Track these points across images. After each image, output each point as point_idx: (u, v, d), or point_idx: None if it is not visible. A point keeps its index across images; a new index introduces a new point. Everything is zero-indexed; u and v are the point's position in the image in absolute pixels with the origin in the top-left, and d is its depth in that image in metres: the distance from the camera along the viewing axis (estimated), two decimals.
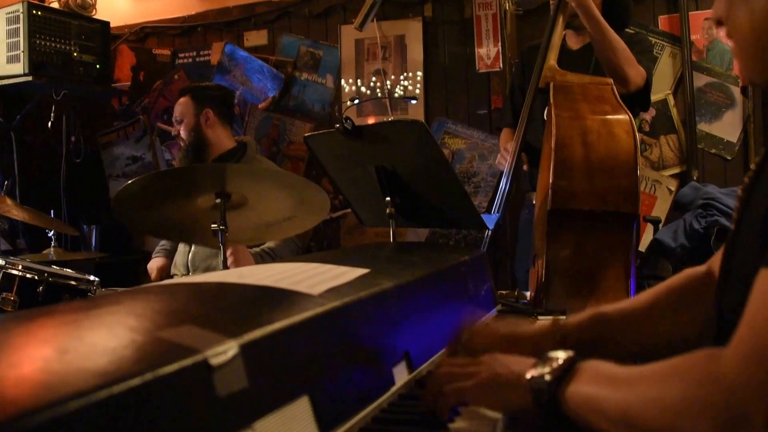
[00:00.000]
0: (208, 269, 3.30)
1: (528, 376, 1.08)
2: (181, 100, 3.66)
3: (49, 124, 4.59)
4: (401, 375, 1.33)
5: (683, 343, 1.49)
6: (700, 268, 1.44)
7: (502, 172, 3.14)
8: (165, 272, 3.47)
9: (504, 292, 2.64)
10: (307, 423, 1.01)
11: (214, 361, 0.85)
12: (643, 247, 3.36)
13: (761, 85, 1.10)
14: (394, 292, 1.38)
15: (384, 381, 1.27)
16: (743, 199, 1.08)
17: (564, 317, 1.50)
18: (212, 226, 2.31)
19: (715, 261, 1.37)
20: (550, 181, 2.38)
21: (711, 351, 0.90)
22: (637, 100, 3.05)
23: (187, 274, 3.39)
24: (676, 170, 4.17)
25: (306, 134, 2.46)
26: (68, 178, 4.78)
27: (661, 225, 3.18)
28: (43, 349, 0.81)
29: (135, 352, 0.81)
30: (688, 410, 0.87)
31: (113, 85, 5.19)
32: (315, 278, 1.30)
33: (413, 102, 4.37)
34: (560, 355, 1.08)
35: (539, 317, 1.98)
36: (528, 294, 2.60)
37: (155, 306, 1.02)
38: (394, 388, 1.28)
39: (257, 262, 3.21)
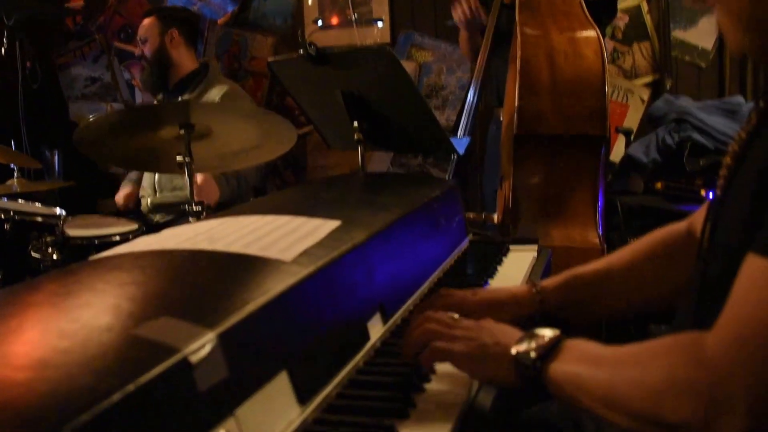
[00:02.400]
0: (174, 189, 3.30)
1: (513, 351, 1.09)
2: (146, 20, 3.63)
3: (2, 51, 4.42)
4: (376, 327, 1.34)
5: (661, 304, 1.51)
6: (680, 226, 1.43)
7: (470, 86, 3.10)
8: (133, 198, 3.49)
9: (471, 215, 2.65)
10: (286, 398, 1.02)
11: (194, 358, 0.85)
12: (615, 158, 3.37)
13: (751, 55, 1.08)
14: (367, 244, 1.37)
15: (359, 337, 1.29)
16: (731, 167, 1.07)
17: (539, 281, 1.50)
18: (177, 158, 2.27)
19: (696, 219, 1.37)
20: (516, 104, 2.35)
21: (695, 334, 0.91)
22: (602, 6, 2.99)
23: (155, 195, 3.39)
24: (649, 79, 4.11)
25: (269, 59, 2.40)
26: (27, 105, 4.64)
27: (632, 136, 3.17)
28: (18, 363, 0.80)
29: (113, 361, 0.81)
30: (671, 393, 0.88)
31: (66, 5, 5.00)
32: (286, 238, 1.29)
33: (379, 24, 4.25)
34: (546, 333, 1.08)
35: (511, 246, 2.00)
36: (495, 216, 2.62)
37: (128, 291, 1.01)
38: (369, 344, 1.29)
39: (222, 186, 3.20)
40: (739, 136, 1.07)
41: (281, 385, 1.02)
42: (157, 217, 3.41)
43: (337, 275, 1.24)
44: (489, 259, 1.88)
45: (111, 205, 3.64)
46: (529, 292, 1.47)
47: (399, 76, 2.14)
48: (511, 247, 2.01)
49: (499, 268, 1.83)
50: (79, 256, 2.56)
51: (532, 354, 1.07)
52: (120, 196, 3.57)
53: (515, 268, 1.85)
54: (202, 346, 0.87)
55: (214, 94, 3.34)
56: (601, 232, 2.37)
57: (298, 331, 1.09)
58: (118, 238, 2.67)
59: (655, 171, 2.91)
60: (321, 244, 1.28)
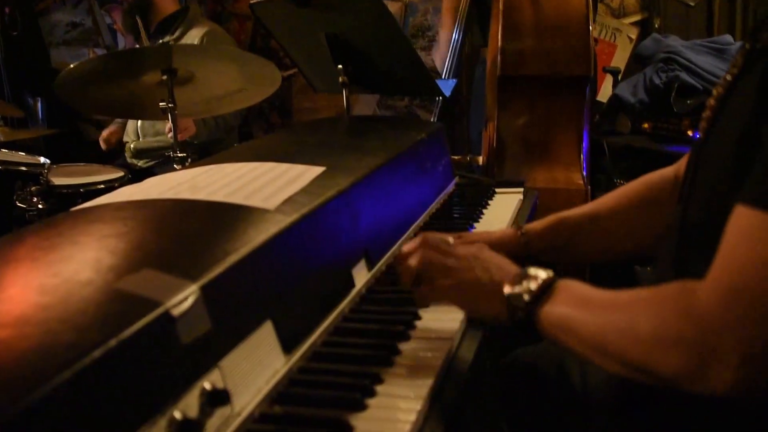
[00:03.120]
0: (157, 134, 3.28)
1: (506, 292, 1.08)
2: None
3: None
4: (361, 274, 1.34)
5: (647, 249, 1.50)
6: (667, 172, 1.42)
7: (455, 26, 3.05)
8: (116, 138, 3.45)
9: (456, 157, 2.64)
10: (271, 348, 1.03)
11: (176, 311, 0.85)
12: (602, 98, 3.34)
13: None
14: (352, 190, 1.37)
15: (345, 283, 1.29)
16: (715, 108, 1.05)
17: (525, 224, 1.49)
18: (161, 104, 2.24)
19: (683, 164, 1.35)
20: (499, 45, 2.32)
21: (687, 285, 0.90)
22: None
23: (138, 139, 3.36)
24: (637, 17, 4.04)
25: (251, 1, 2.35)
26: (7, 53, 4.53)
27: (620, 76, 3.14)
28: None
29: (95, 317, 0.81)
30: (662, 344, 0.88)
31: None
32: (270, 186, 1.28)
33: None
34: (540, 274, 1.07)
35: (497, 189, 2.00)
36: (480, 159, 2.61)
37: (109, 244, 1.00)
38: (354, 291, 1.30)
39: (198, 125, 3.17)
40: (724, 78, 1.06)
41: (266, 335, 1.02)
42: (141, 163, 3.39)
43: (321, 223, 1.23)
44: (475, 202, 1.88)
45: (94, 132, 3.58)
46: (514, 236, 1.47)
47: (383, 17, 2.10)
48: (497, 189, 2.00)
49: (484, 211, 1.83)
50: (64, 204, 2.54)
51: (525, 297, 1.06)
52: (104, 134, 3.53)
53: (501, 212, 1.84)
54: (184, 299, 0.87)
55: (194, 35, 3.29)
56: (585, 174, 2.37)
57: (282, 280, 1.09)
58: (103, 186, 2.65)
59: (643, 111, 2.88)
60: (305, 191, 1.27)
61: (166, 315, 0.84)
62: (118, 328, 0.77)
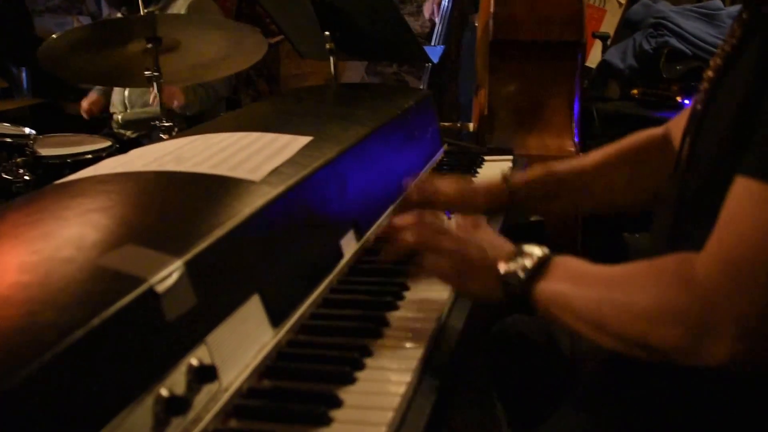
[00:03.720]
0: (145, 105, 3.23)
1: (502, 270, 1.07)
2: None
3: None
4: (350, 245, 1.33)
5: (632, 208, 1.50)
6: (656, 132, 1.40)
7: None
8: (99, 107, 3.39)
9: (447, 124, 2.62)
10: (259, 321, 1.02)
11: (161, 288, 0.84)
12: (591, 64, 3.31)
13: None
14: (339, 160, 1.35)
15: (333, 254, 1.28)
16: (713, 79, 1.03)
17: (512, 167, 1.48)
18: (146, 73, 2.21)
19: (673, 126, 1.34)
20: (491, 9, 2.29)
21: (684, 257, 0.89)
22: None
23: (125, 111, 3.32)
24: None
25: None
26: None
27: (609, 41, 3.11)
28: None
29: (77, 295, 0.79)
30: (660, 318, 0.87)
31: None
32: (256, 156, 1.26)
33: None
34: (535, 251, 1.06)
35: (485, 157, 1.98)
36: (471, 125, 2.59)
37: (92, 219, 0.98)
38: (343, 262, 1.28)
39: (189, 95, 3.13)
40: (721, 48, 1.04)
41: (253, 309, 1.01)
42: (128, 133, 3.35)
43: (308, 194, 1.22)
44: (463, 170, 1.86)
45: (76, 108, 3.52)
46: (500, 186, 1.45)
47: None
48: (486, 158, 1.99)
49: (473, 180, 1.82)
50: (51, 175, 2.51)
51: (521, 274, 1.05)
52: (84, 104, 3.46)
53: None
54: (168, 275, 0.86)
55: (180, 5, 3.22)
56: (577, 140, 2.35)
57: (269, 252, 1.08)
58: (90, 156, 2.62)
59: (632, 77, 2.86)
60: (292, 162, 1.26)
61: (150, 292, 0.82)
62: (101, 307, 0.76)
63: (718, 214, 0.87)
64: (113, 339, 0.76)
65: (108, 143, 2.75)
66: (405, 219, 1.21)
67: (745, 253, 0.82)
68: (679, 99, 2.69)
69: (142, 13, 2.51)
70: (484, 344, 1.49)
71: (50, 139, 2.78)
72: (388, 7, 2.15)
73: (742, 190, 0.85)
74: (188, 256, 0.89)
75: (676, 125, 1.31)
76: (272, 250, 1.09)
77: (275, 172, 1.19)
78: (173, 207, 1.06)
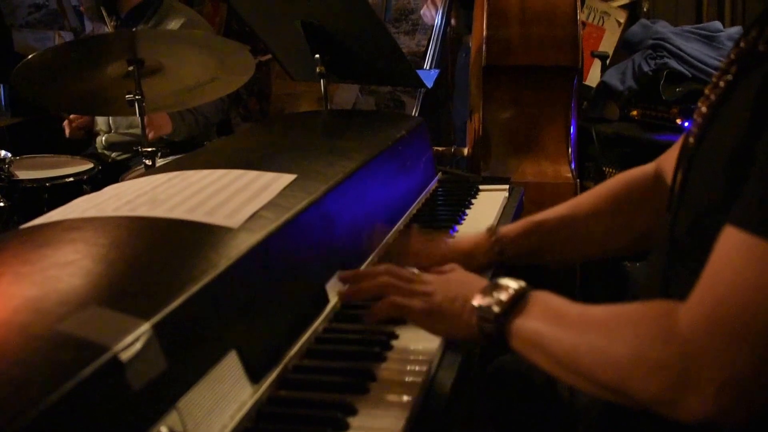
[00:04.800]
0: (130, 126, 3.14)
1: (476, 303, 1.03)
2: None
3: None
4: (337, 288, 1.26)
5: (627, 250, 1.45)
6: (647, 170, 1.36)
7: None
8: (84, 124, 3.26)
9: (441, 149, 2.56)
10: (237, 379, 0.96)
11: (125, 355, 0.78)
12: (590, 82, 3.26)
13: None
14: (324, 200, 1.29)
15: (319, 300, 1.22)
16: (706, 116, 0.98)
17: (499, 228, 1.42)
18: (127, 96, 2.14)
19: (664, 161, 1.30)
20: (484, 34, 2.23)
21: (667, 305, 0.86)
22: None
23: (110, 132, 3.23)
24: (625, 0, 3.93)
25: None
26: None
27: (608, 61, 3.07)
28: None
29: (34, 367, 0.73)
30: (639, 368, 0.84)
31: None
32: (235, 199, 1.19)
33: None
34: (511, 285, 1.02)
35: (480, 186, 1.92)
36: (465, 150, 2.53)
37: (54, 276, 0.91)
38: (329, 307, 1.22)
39: (176, 121, 3.05)
40: (714, 83, 0.99)
41: (230, 367, 0.95)
42: (113, 155, 3.25)
43: (290, 239, 1.15)
44: (458, 202, 1.80)
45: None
46: (488, 241, 1.40)
47: (359, 5, 2.01)
48: (481, 187, 1.92)
49: (468, 212, 1.75)
50: (30, 199, 2.45)
51: (495, 308, 1.01)
52: (66, 124, 3.21)
53: (485, 211, 1.77)
54: (134, 340, 0.79)
55: (171, 26, 3.13)
56: (573, 167, 2.29)
57: (247, 305, 1.02)
58: (72, 179, 2.54)
59: (631, 98, 2.82)
60: (273, 204, 1.19)
61: (114, 361, 0.76)
62: (60, 381, 0.70)
63: (707, 258, 0.84)
64: (74, 414, 0.70)
65: (89, 165, 2.65)
66: (372, 269, 1.19)
67: (730, 311, 0.78)
68: (679, 121, 2.64)
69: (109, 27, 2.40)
70: (479, 384, 1.43)
71: (28, 161, 2.70)
72: (380, 31, 2.09)
73: (730, 241, 0.81)
74: (157, 317, 0.83)
75: (667, 160, 1.27)
76: (251, 302, 1.02)
77: (255, 216, 1.13)
78: (144, 260, 0.99)
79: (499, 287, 1.03)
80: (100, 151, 3.26)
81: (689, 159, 1.00)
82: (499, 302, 1.01)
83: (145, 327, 0.81)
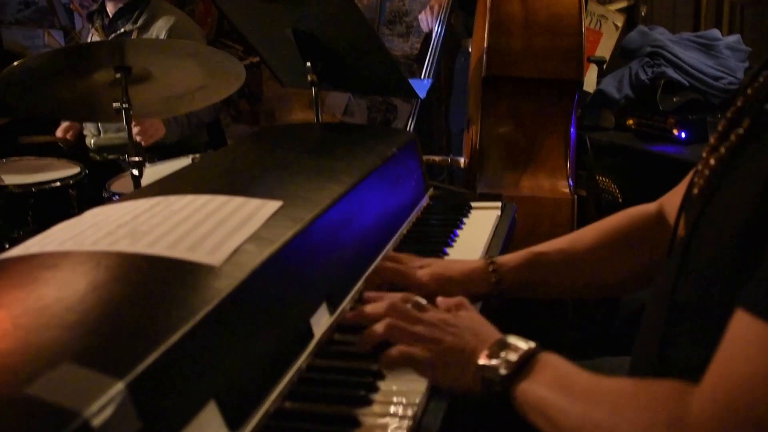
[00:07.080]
0: (119, 130, 3.09)
1: (481, 363, 1.02)
2: None
3: None
4: (323, 320, 1.23)
5: (624, 289, 1.43)
6: (650, 209, 1.33)
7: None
8: (74, 131, 3.21)
9: (437, 158, 2.52)
10: (216, 429, 0.92)
11: (97, 421, 0.74)
12: (586, 87, 3.21)
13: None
14: (311, 229, 1.25)
15: (302, 336, 1.18)
16: (716, 171, 0.95)
17: (497, 257, 1.39)
18: (114, 104, 2.09)
19: (667, 205, 1.28)
20: (485, 44, 2.18)
21: (679, 388, 0.84)
22: None
23: (98, 135, 3.18)
24: (623, 4, 3.90)
25: None
26: None
27: (605, 66, 3.03)
28: None
29: None
30: None
31: None
32: (218, 231, 1.16)
33: None
34: (520, 345, 1.01)
35: (473, 204, 1.88)
36: (462, 160, 2.49)
37: (20, 324, 0.88)
38: (313, 342, 1.18)
39: (169, 124, 3.00)
40: (722, 134, 0.95)
41: (209, 418, 0.91)
42: (101, 157, 3.21)
43: (273, 274, 1.12)
44: (449, 222, 1.76)
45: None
46: (484, 270, 1.37)
47: (350, 12, 1.97)
48: (473, 204, 1.88)
49: (459, 232, 1.72)
50: (16, 205, 2.40)
51: (503, 371, 0.99)
52: (60, 131, 3.23)
53: (477, 232, 1.73)
54: (107, 403, 0.76)
55: (160, 27, 3.08)
56: (571, 183, 2.25)
57: (227, 351, 0.97)
58: (58, 184, 2.49)
59: (627, 107, 2.79)
60: (257, 237, 1.15)
61: (85, 426, 0.72)
62: None
63: (708, 329, 0.83)
64: None
65: (77, 169, 2.60)
66: (375, 307, 1.15)
67: (742, 403, 0.75)
68: (675, 132, 2.60)
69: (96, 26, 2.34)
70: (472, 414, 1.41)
71: (14, 164, 2.64)
72: (373, 41, 2.05)
73: (743, 326, 0.77)
74: (132, 375, 0.79)
75: (670, 202, 1.25)
76: (231, 347, 0.98)
77: (239, 251, 1.09)
78: (121, 305, 0.95)
79: (508, 346, 1.02)
80: (90, 153, 3.22)
81: (695, 219, 0.96)
82: (507, 363, 0.99)
83: (118, 387, 0.77)
